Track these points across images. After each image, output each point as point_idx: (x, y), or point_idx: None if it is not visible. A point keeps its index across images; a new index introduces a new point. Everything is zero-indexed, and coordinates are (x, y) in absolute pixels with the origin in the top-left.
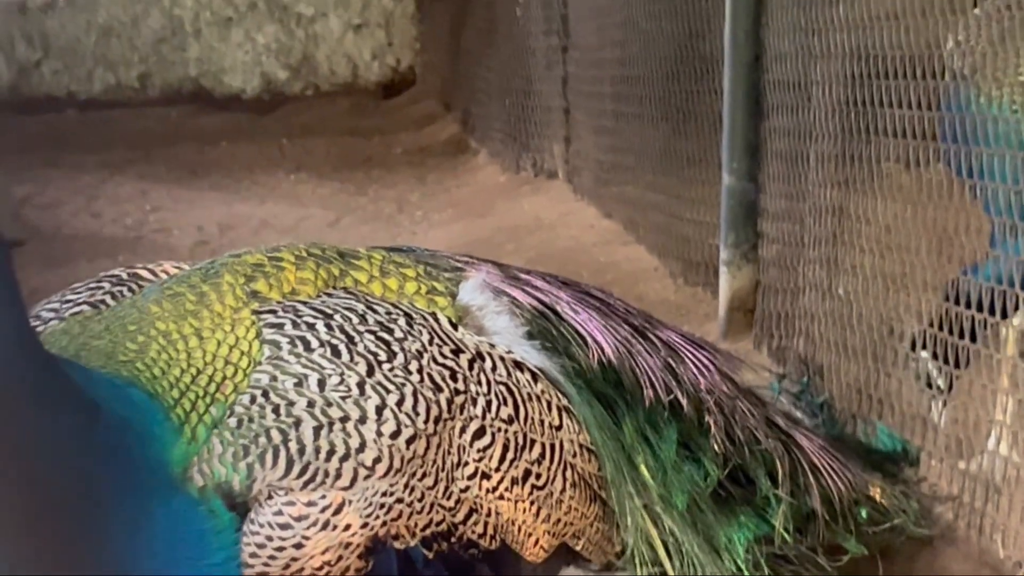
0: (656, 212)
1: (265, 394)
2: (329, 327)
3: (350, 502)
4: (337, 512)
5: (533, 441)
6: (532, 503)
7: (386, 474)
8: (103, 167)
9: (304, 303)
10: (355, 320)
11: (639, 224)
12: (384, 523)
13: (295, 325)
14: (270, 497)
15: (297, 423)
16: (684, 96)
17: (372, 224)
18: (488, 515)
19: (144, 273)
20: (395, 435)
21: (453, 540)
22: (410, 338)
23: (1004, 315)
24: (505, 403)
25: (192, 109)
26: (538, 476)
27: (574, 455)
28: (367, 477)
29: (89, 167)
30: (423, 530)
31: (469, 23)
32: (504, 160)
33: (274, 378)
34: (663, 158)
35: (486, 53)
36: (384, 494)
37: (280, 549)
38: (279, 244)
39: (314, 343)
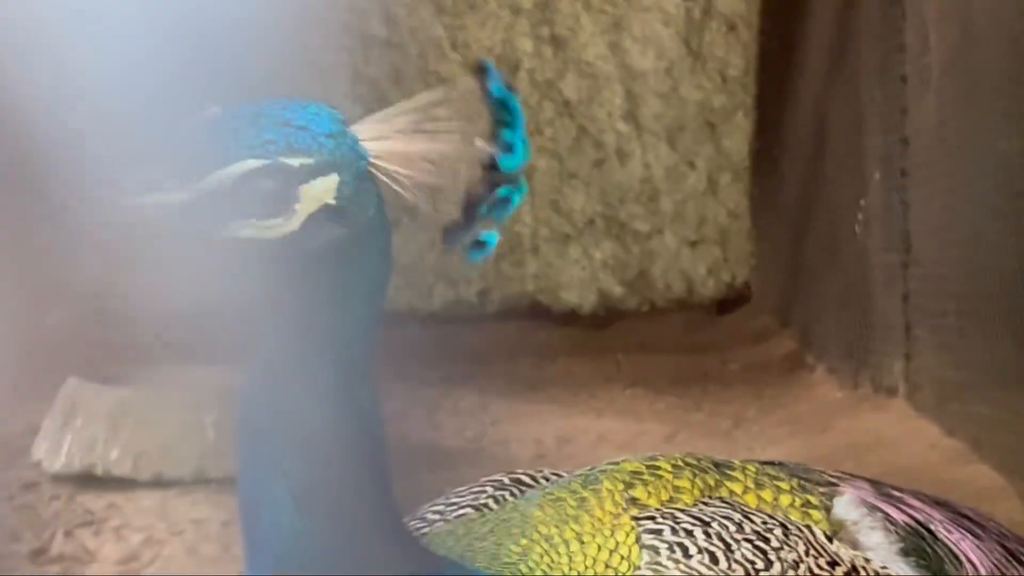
0: (1003, 431)
1: None
2: (707, 534)
3: None
4: None
5: None
6: None
7: None
8: (444, 380)
9: (682, 510)
10: (732, 528)
11: (985, 443)
12: None
13: (674, 531)
14: None
15: None
16: None
17: (708, 440)
18: None
19: (525, 478)
20: None
21: None
22: (786, 548)
23: None
24: None
25: (529, 324)
26: None
27: None
28: None
29: (430, 380)
30: None
31: (806, 240)
32: (841, 377)
33: None
34: (1010, 376)
35: (823, 269)
36: None
37: None
38: (655, 453)
39: (692, 549)
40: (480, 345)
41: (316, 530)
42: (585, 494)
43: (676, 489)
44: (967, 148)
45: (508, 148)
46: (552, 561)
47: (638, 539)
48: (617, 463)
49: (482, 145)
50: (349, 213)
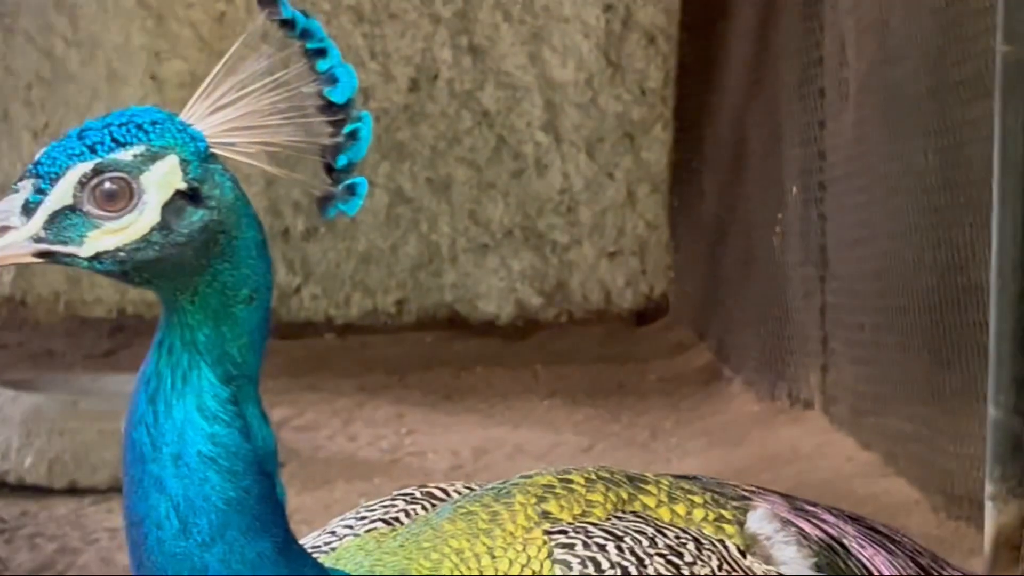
0: (917, 444)
1: None
2: (620, 549)
3: None
4: None
5: None
6: None
7: None
8: (360, 390)
9: (594, 525)
10: (645, 543)
11: (899, 456)
12: None
13: (586, 546)
14: None
15: None
16: (947, 327)
17: (625, 451)
18: None
19: (437, 492)
20: None
21: None
22: (699, 563)
23: None
24: None
25: (447, 334)
26: None
27: None
28: None
29: (346, 390)
30: None
31: (724, 252)
32: (759, 389)
33: None
34: (925, 389)
35: (741, 282)
36: None
37: None
38: (568, 467)
39: (604, 564)
40: (397, 355)
41: (199, 549)
42: (497, 508)
43: (589, 503)
44: (884, 162)
45: (331, 80)
46: None
47: (550, 554)
48: (530, 476)
49: (307, 89)
50: (205, 195)
